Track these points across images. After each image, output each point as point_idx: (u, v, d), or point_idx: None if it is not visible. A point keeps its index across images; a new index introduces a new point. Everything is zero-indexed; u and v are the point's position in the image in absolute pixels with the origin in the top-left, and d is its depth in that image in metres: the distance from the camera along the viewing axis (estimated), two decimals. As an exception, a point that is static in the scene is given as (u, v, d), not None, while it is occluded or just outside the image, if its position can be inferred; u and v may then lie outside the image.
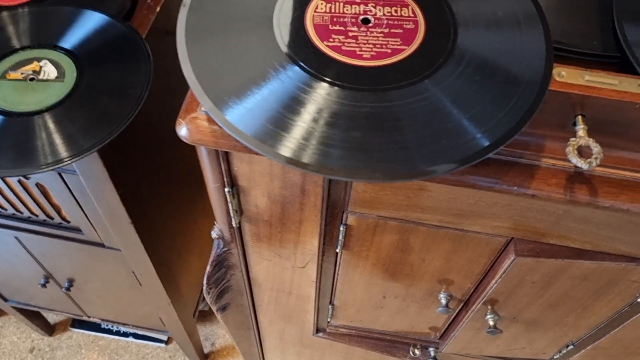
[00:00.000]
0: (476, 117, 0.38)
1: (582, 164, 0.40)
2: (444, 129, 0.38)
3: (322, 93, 0.38)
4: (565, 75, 0.41)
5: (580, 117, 0.42)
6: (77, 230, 0.86)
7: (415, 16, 0.43)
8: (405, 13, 0.43)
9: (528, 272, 0.56)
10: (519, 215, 0.50)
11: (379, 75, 0.40)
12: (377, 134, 0.37)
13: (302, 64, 0.40)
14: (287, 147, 0.36)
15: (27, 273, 1.06)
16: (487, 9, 0.44)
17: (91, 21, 0.70)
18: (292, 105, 0.38)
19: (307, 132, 0.37)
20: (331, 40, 0.41)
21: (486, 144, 0.37)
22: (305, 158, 0.36)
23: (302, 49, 0.41)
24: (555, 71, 0.41)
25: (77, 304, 1.20)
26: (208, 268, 0.68)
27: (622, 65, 0.47)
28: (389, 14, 0.43)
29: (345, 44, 0.41)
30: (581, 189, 0.44)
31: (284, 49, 0.40)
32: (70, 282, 1.07)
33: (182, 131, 0.46)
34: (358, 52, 0.41)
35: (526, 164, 0.45)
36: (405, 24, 0.42)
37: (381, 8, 0.43)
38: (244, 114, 0.37)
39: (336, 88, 0.38)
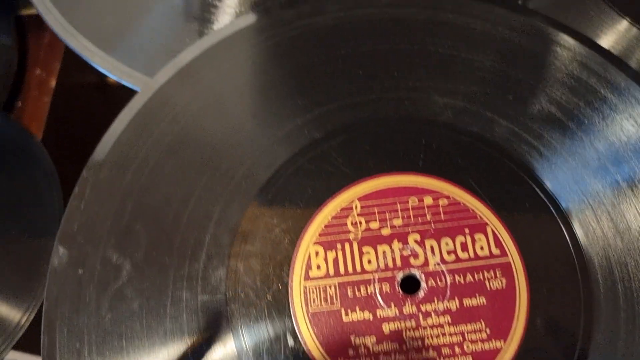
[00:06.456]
0: None
1: None
2: None
3: None
4: None
5: None
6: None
7: (504, 251, 0.22)
8: (482, 247, 0.22)
9: None
10: None
11: None
12: None
13: None
14: None
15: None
16: None
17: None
18: None
19: None
20: (352, 351, 0.20)
21: None
22: None
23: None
24: None
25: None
26: None
27: None
28: (454, 258, 0.22)
29: (382, 356, 0.20)
30: None
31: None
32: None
33: None
34: (411, 377, 0.20)
35: None
36: (489, 279, 0.21)
37: (434, 244, 0.22)
38: None
39: None
